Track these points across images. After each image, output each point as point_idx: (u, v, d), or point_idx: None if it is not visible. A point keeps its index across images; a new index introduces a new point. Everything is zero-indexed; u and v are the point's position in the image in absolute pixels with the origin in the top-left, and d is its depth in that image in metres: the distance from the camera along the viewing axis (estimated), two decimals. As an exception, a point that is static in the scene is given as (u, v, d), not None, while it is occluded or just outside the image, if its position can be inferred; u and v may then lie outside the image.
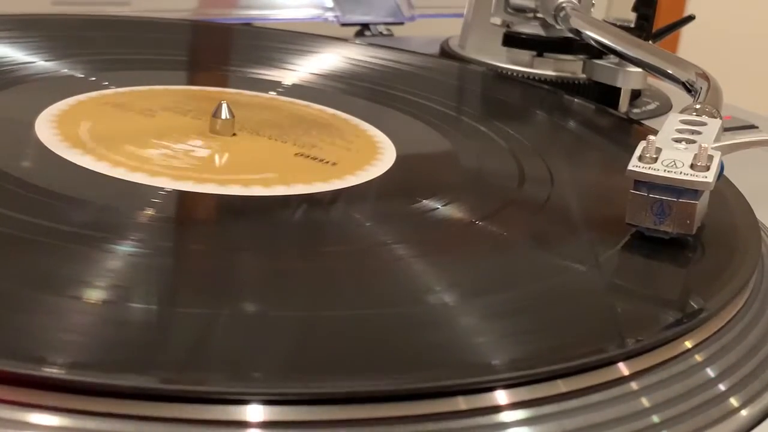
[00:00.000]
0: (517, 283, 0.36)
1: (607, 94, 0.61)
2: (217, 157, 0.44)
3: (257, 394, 0.27)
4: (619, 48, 0.58)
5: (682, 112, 0.45)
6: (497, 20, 0.67)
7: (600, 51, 0.61)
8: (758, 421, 0.32)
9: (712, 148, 0.39)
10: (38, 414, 0.26)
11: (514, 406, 0.29)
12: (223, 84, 0.56)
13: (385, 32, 0.80)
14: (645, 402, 0.30)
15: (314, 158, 0.45)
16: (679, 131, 0.41)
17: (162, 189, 0.39)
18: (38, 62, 0.54)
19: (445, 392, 0.28)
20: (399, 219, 0.40)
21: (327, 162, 0.45)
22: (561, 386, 0.29)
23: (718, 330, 0.34)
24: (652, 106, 0.64)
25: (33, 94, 0.49)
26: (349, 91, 0.56)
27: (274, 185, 0.41)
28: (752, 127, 0.62)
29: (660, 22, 0.67)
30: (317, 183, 0.42)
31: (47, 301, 0.30)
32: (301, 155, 0.45)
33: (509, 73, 0.64)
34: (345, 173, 0.44)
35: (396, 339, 0.31)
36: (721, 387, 0.32)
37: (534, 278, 0.36)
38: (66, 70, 0.54)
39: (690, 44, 1.28)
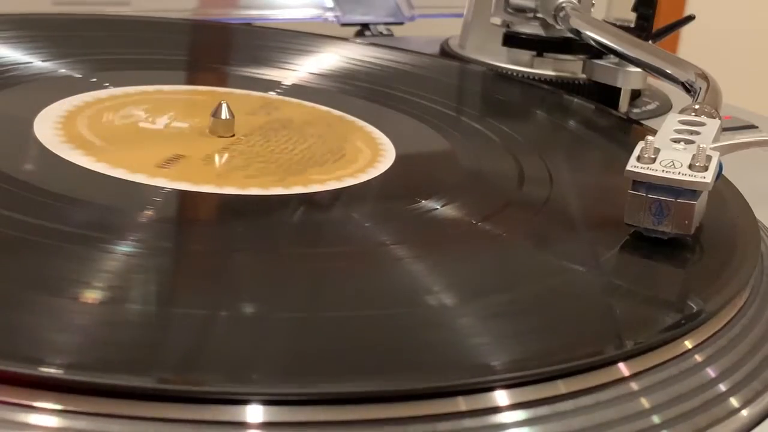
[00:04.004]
0: (517, 283, 0.36)
1: (607, 94, 0.61)
2: (216, 157, 0.44)
3: (256, 394, 0.27)
4: (619, 48, 0.58)
5: (680, 112, 0.45)
6: (497, 20, 0.66)
7: (600, 51, 0.61)
8: (758, 422, 0.31)
9: (710, 149, 0.39)
10: (37, 414, 0.26)
11: (514, 406, 0.28)
12: (223, 84, 0.56)
13: (385, 32, 0.80)
14: (645, 402, 0.30)
15: (313, 158, 0.45)
16: (678, 131, 0.41)
17: (161, 189, 0.39)
18: (38, 62, 0.54)
19: (445, 393, 0.28)
20: (398, 219, 0.40)
21: (326, 162, 0.45)
22: (561, 387, 0.29)
23: (718, 330, 0.34)
24: (652, 106, 0.64)
25: (32, 94, 0.49)
26: (349, 91, 0.56)
27: (273, 185, 0.41)
28: (752, 127, 0.62)
29: (660, 22, 0.67)
30: (316, 183, 0.42)
31: (46, 301, 0.30)
32: (301, 155, 0.45)
33: (509, 73, 0.64)
34: (344, 173, 0.44)
35: (395, 339, 0.31)
36: (722, 387, 0.32)
37: (533, 279, 0.36)
38: (66, 70, 0.54)
39: (690, 44, 1.27)
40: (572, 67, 0.63)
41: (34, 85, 0.51)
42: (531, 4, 0.65)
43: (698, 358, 0.33)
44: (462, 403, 0.28)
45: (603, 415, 0.29)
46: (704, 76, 0.51)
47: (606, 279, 0.37)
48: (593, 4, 0.65)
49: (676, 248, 0.38)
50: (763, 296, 0.38)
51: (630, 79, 0.60)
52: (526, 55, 0.64)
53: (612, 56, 0.60)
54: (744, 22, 1.49)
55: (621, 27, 0.63)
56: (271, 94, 0.54)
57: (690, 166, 0.38)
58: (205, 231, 0.39)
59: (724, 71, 0.64)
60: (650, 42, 0.63)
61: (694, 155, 0.38)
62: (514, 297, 0.34)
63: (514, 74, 0.63)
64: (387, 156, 0.46)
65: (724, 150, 0.41)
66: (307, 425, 0.27)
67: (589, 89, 0.62)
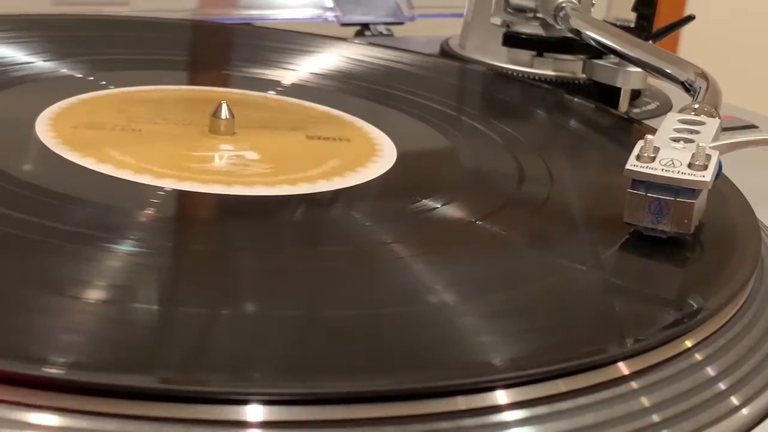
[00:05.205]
0: (517, 282, 0.36)
1: (607, 94, 0.61)
2: (216, 157, 0.44)
3: (257, 394, 0.27)
4: (619, 48, 0.58)
5: (680, 111, 0.45)
6: (497, 20, 0.66)
7: (600, 51, 0.61)
8: (759, 420, 0.31)
9: (709, 148, 0.39)
10: (38, 414, 0.26)
11: (514, 405, 0.29)
12: (223, 84, 0.56)
13: (385, 32, 0.80)
14: (645, 401, 0.30)
15: (314, 158, 0.45)
16: (677, 131, 0.41)
17: (162, 189, 0.39)
18: (38, 62, 0.54)
19: (445, 392, 0.28)
20: (399, 218, 0.40)
21: (327, 162, 0.45)
22: (561, 386, 0.29)
23: (718, 329, 0.34)
24: (652, 106, 0.64)
25: (33, 94, 0.49)
26: (349, 90, 0.56)
27: (273, 185, 0.41)
28: (752, 127, 0.62)
29: (660, 22, 0.67)
30: (317, 183, 0.42)
31: (47, 301, 0.30)
32: (301, 155, 0.45)
33: (509, 73, 0.64)
34: (345, 173, 0.44)
35: (396, 338, 0.31)
36: (721, 386, 0.32)
37: (533, 278, 0.36)
38: (66, 70, 0.54)
39: (690, 44, 1.27)
40: (572, 67, 0.63)
41: (35, 85, 0.51)
42: (531, 4, 0.65)
43: (698, 356, 0.33)
44: (462, 402, 0.28)
45: (603, 414, 0.29)
46: (704, 76, 0.51)
47: (605, 278, 0.37)
48: (593, 4, 0.65)
49: (675, 247, 0.38)
50: (764, 295, 0.38)
51: (630, 79, 0.60)
52: (526, 55, 0.64)
53: (612, 56, 0.60)
54: (744, 22, 1.49)
55: (621, 27, 0.63)
56: (272, 94, 0.54)
57: (689, 165, 0.38)
58: (205, 230, 0.39)
59: (724, 71, 0.64)
60: (650, 42, 0.63)
61: (693, 154, 0.38)
62: (514, 296, 0.34)
63: (514, 74, 0.63)
64: (388, 155, 0.46)
65: (724, 149, 0.41)
66: (307, 425, 0.27)
67: (589, 89, 0.62)
